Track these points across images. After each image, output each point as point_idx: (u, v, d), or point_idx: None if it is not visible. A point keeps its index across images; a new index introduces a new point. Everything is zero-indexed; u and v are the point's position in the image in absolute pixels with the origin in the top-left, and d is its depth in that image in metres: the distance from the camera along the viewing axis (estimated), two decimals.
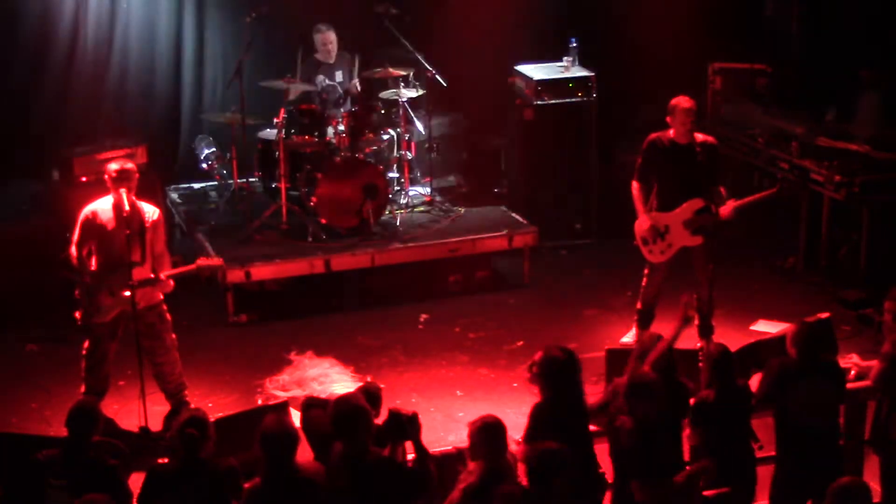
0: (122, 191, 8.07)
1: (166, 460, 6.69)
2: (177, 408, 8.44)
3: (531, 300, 10.69)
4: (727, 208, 9.03)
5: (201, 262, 8.40)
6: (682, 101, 9.01)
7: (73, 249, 8.22)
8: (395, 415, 6.51)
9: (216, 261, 8.54)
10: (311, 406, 6.98)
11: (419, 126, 11.41)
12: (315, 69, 11.26)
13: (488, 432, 6.37)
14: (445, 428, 8.30)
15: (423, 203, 11.44)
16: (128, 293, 8.01)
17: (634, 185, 9.19)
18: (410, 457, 6.48)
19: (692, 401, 7.37)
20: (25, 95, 11.43)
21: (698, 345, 9.04)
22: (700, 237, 9.09)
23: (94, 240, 8.20)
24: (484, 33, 12.03)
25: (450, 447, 7.68)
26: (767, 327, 9.72)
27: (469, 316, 10.29)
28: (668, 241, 9.13)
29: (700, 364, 8.35)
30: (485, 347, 9.73)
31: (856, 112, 11.41)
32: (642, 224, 9.14)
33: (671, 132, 9.10)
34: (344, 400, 6.51)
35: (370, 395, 6.72)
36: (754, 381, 7.73)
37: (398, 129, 11.16)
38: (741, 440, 7.27)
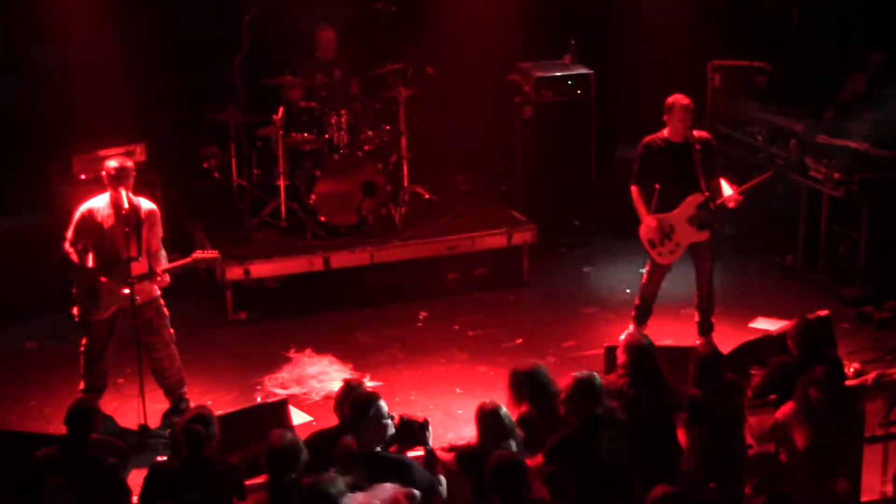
0: (121, 189, 8.08)
1: (167, 458, 6.71)
2: (176, 405, 8.47)
3: (530, 298, 10.68)
4: (733, 196, 9.03)
5: (197, 255, 8.42)
6: (680, 99, 9.00)
7: (68, 246, 8.22)
8: (406, 422, 6.57)
9: (212, 253, 8.54)
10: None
11: (418, 124, 11.40)
12: (314, 67, 11.24)
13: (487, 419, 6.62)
14: (444, 426, 8.30)
15: (421, 200, 11.43)
16: (126, 291, 8.01)
17: (633, 189, 9.16)
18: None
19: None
20: (25, 93, 11.41)
21: (697, 342, 9.06)
22: (706, 232, 9.09)
23: (90, 237, 8.20)
24: (484, 31, 12.00)
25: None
26: (766, 325, 9.71)
27: (468, 313, 10.29)
28: (675, 241, 9.10)
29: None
30: (484, 345, 9.72)
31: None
32: (649, 225, 9.09)
33: (665, 131, 9.08)
34: (361, 395, 6.67)
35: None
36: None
37: (397, 127, 11.15)
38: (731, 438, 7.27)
